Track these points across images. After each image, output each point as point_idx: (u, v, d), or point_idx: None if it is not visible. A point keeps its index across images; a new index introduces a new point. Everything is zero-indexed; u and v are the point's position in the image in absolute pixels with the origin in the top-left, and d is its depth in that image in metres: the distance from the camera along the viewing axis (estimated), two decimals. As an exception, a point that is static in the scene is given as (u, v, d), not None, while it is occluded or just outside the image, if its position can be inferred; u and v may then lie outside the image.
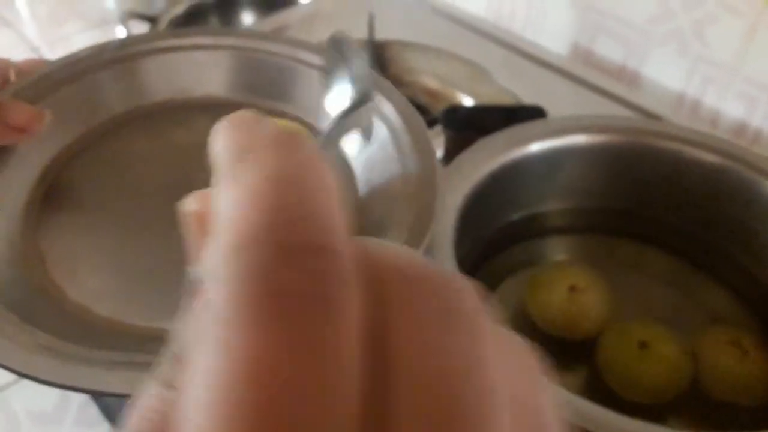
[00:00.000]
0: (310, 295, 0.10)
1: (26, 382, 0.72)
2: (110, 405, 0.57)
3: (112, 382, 0.28)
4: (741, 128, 0.63)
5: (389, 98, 0.40)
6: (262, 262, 0.10)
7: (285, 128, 0.13)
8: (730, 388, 0.38)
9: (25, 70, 0.43)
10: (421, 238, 0.33)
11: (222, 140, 0.13)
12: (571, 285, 0.40)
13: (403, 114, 0.39)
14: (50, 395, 0.63)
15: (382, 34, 0.68)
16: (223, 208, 0.11)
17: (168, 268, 0.36)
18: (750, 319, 0.42)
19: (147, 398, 0.11)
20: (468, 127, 0.57)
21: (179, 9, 0.77)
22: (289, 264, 0.10)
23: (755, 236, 0.41)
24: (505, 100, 0.62)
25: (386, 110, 0.40)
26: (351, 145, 0.39)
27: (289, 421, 0.09)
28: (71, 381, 0.28)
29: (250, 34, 0.48)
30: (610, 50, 0.69)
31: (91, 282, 0.35)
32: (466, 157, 0.39)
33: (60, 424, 0.61)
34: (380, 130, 0.39)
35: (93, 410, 0.59)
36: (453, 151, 0.57)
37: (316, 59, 0.44)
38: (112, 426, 0.56)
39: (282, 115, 0.45)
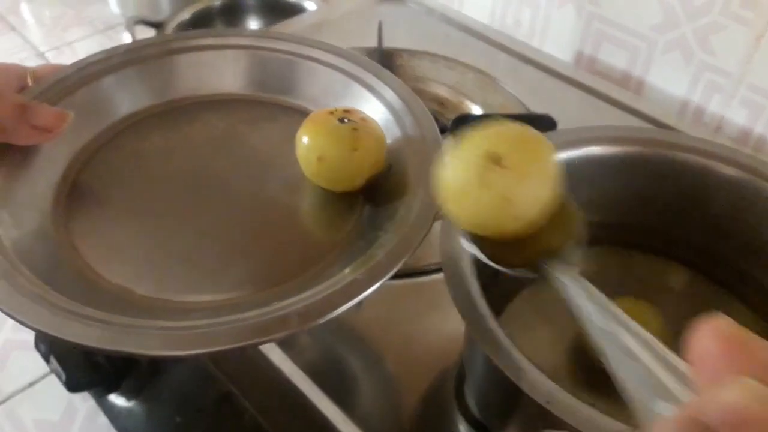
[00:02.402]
0: None
1: (34, 389, 0.72)
2: (119, 416, 0.57)
3: (154, 345, 0.30)
4: (744, 135, 0.63)
5: (386, 82, 0.44)
6: None
7: None
8: None
9: (41, 74, 0.44)
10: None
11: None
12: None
13: (401, 94, 0.44)
14: (58, 404, 0.62)
15: (391, 43, 0.68)
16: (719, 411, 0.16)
17: (195, 248, 0.38)
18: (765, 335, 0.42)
19: None
20: (478, 135, 0.57)
21: (185, 15, 0.77)
22: None
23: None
24: (513, 108, 0.62)
25: (384, 92, 0.44)
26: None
27: None
28: (119, 346, 0.30)
29: (253, 33, 0.50)
30: (614, 58, 0.70)
31: (124, 265, 0.37)
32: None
33: (66, 433, 0.61)
34: (379, 109, 0.43)
35: (101, 419, 0.59)
36: (464, 160, 0.57)
37: (316, 53, 0.47)
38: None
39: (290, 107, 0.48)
